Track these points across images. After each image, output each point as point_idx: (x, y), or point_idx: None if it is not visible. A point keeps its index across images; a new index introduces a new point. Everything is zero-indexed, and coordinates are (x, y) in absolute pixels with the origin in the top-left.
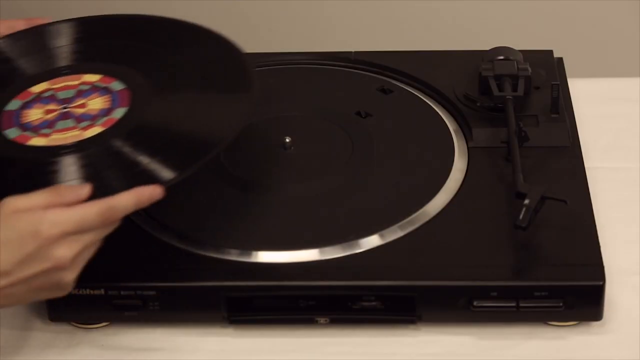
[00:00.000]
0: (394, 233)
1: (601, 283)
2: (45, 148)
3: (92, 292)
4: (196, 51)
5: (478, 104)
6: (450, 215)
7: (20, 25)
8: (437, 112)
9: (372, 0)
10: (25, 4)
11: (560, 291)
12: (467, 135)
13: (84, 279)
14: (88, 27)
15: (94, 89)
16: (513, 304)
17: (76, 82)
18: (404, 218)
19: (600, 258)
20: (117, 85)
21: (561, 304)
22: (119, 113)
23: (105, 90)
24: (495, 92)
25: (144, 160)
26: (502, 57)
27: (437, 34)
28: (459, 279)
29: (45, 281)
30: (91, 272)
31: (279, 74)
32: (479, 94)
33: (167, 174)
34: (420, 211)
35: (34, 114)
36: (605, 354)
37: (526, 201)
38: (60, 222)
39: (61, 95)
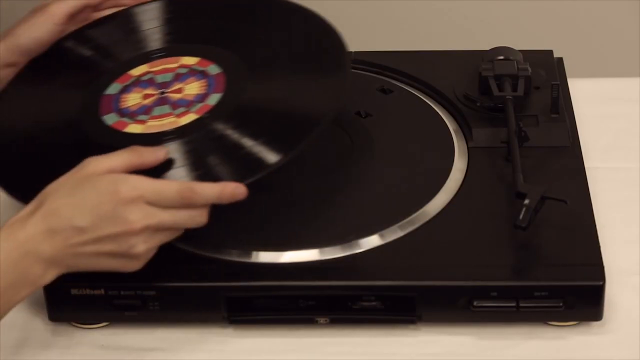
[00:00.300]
0: (394, 233)
1: (601, 283)
2: (143, 135)
3: (92, 292)
4: (290, 30)
5: (478, 104)
6: (450, 215)
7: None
8: (437, 112)
9: (372, 0)
10: (25, 4)
11: (560, 291)
12: (467, 135)
13: (84, 279)
14: (179, 7)
15: (192, 72)
16: (513, 304)
17: (174, 65)
18: (404, 218)
19: (600, 258)
20: (213, 69)
21: (561, 304)
22: (213, 99)
23: (202, 75)
24: (495, 92)
25: (248, 143)
26: (502, 57)
27: (437, 34)
28: (459, 279)
29: (115, 246)
30: (91, 272)
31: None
32: (479, 94)
33: (272, 156)
34: (420, 211)
35: (132, 99)
36: (605, 354)
37: (526, 201)
38: (140, 187)
39: (159, 78)
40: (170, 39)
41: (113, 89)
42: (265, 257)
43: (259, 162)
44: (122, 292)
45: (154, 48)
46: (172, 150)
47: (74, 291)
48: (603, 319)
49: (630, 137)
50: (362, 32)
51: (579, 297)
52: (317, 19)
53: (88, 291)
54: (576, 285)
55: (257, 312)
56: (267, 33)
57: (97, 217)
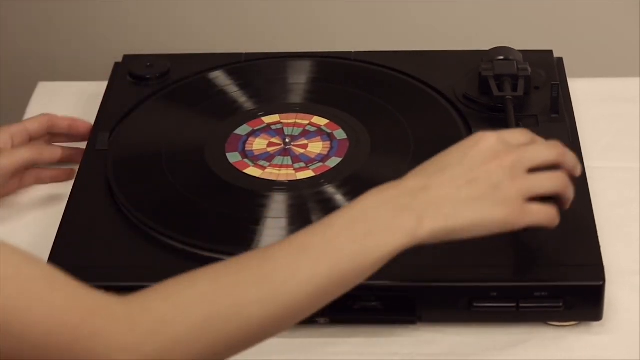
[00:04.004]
0: None
1: (601, 283)
2: (259, 180)
3: None
4: (421, 115)
5: (478, 104)
6: None
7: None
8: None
9: (372, 0)
10: (25, 4)
11: (560, 291)
12: (467, 135)
13: (84, 278)
14: (326, 69)
15: (319, 132)
16: (513, 304)
17: (305, 122)
18: None
19: (600, 258)
20: (340, 134)
21: (561, 304)
22: (333, 162)
23: (327, 137)
24: (495, 92)
25: None
26: (502, 57)
27: (437, 34)
28: (459, 279)
29: (486, 185)
30: (91, 272)
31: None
32: (479, 94)
33: None
34: None
35: (258, 144)
36: (605, 354)
37: None
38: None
39: (288, 131)
40: (308, 97)
41: (243, 130)
42: None
43: None
44: (121, 293)
45: (292, 102)
46: (279, 200)
47: None
48: (603, 319)
49: (630, 137)
50: (362, 32)
51: (579, 297)
52: (450, 113)
53: None
54: (576, 285)
55: None
56: (400, 113)
57: (467, 165)
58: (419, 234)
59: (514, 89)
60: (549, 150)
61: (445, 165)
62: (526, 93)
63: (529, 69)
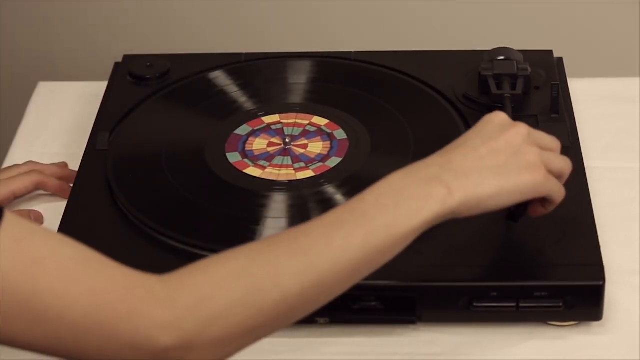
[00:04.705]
0: None
1: (601, 283)
2: (259, 180)
3: None
4: (422, 115)
5: (478, 104)
6: None
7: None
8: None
9: (372, 0)
10: (25, 4)
11: (560, 291)
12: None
13: None
14: (326, 69)
15: (319, 132)
16: (513, 304)
17: (305, 122)
18: None
19: (600, 258)
20: (340, 134)
21: (561, 304)
22: (333, 162)
23: (327, 137)
24: (494, 90)
25: None
26: (502, 57)
27: (437, 34)
28: (459, 279)
29: (508, 154)
30: None
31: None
32: (479, 94)
33: None
34: None
35: (258, 144)
36: (605, 354)
37: None
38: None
39: (288, 131)
40: (308, 97)
41: (243, 130)
42: None
43: None
44: None
45: (292, 102)
46: (279, 200)
47: None
48: (603, 319)
49: (630, 137)
50: (362, 32)
51: (579, 297)
52: (450, 113)
53: None
54: (576, 285)
55: None
56: (400, 113)
57: (485, 137)
58: (449, 202)
59: (513, 88)
60: (551, 138)
61: (465, 141)
62: (525, 93)
63: (529, 69)
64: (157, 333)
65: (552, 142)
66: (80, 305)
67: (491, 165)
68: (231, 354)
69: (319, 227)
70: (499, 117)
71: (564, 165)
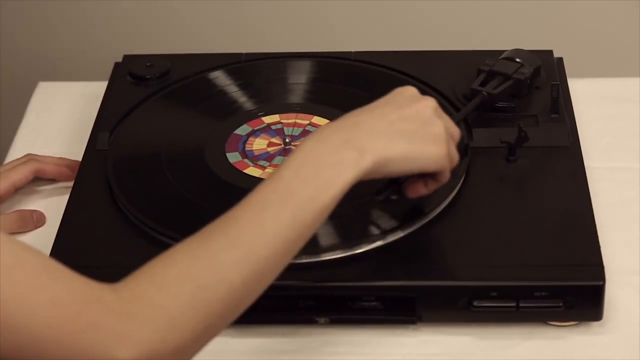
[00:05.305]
0: (394, 233)
1: (601, 283)
2: (259, 180)
3: None
4: None
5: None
6: (450, 215)
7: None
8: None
9: (372, 0)
10: (25, 4)
11: (560, 291)
12: (467, 135)
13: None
14: (327, 69)
15: None
16: (513, 304)
17: (305, 122)
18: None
19: (600, 258)
20: None
21: (561, 304)
22: None
23: None
24: (475, 84)
25: (348, 211)
26: (511, 58)
27: (437, 34)
28: (459, 279)
29: (416, 122)
30: (91, 272)
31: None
32: None
33: (374, 229)
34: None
35: (258, 144)
36: (605, 354)
37: None
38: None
39: (288, 131)
40: (308, 97)
41: (243, 130)
42: None
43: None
44: None
45: (292, 102)
46: None
47: None
48: (603, 319)
49: (630, 137)
50: (362, 32)
51: (579, 297)
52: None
53: None
54: (576, 285)
55: (257, 312)
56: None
57: (396, 105)
58: (362, 164)
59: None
60: (455, 126)
61: (375, 107)
62: (515, 95)
63: (528, 75)
64: (116, 346)
65: (456, 130)
66: (41, 316)
67: (400, 130)
68: (190, 358)
69: (247, 211)
70: (409, 90)
71: (456, 155)
